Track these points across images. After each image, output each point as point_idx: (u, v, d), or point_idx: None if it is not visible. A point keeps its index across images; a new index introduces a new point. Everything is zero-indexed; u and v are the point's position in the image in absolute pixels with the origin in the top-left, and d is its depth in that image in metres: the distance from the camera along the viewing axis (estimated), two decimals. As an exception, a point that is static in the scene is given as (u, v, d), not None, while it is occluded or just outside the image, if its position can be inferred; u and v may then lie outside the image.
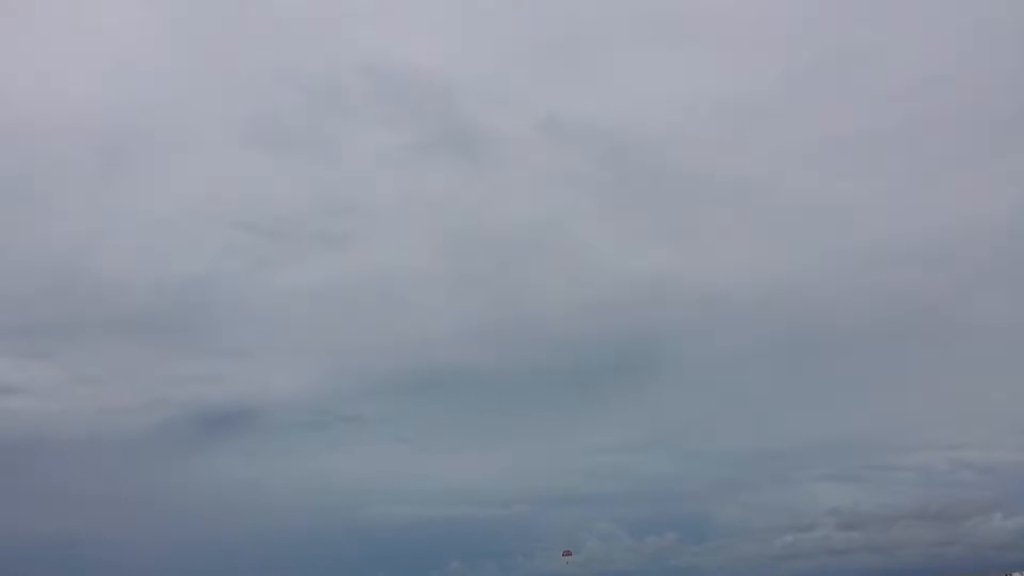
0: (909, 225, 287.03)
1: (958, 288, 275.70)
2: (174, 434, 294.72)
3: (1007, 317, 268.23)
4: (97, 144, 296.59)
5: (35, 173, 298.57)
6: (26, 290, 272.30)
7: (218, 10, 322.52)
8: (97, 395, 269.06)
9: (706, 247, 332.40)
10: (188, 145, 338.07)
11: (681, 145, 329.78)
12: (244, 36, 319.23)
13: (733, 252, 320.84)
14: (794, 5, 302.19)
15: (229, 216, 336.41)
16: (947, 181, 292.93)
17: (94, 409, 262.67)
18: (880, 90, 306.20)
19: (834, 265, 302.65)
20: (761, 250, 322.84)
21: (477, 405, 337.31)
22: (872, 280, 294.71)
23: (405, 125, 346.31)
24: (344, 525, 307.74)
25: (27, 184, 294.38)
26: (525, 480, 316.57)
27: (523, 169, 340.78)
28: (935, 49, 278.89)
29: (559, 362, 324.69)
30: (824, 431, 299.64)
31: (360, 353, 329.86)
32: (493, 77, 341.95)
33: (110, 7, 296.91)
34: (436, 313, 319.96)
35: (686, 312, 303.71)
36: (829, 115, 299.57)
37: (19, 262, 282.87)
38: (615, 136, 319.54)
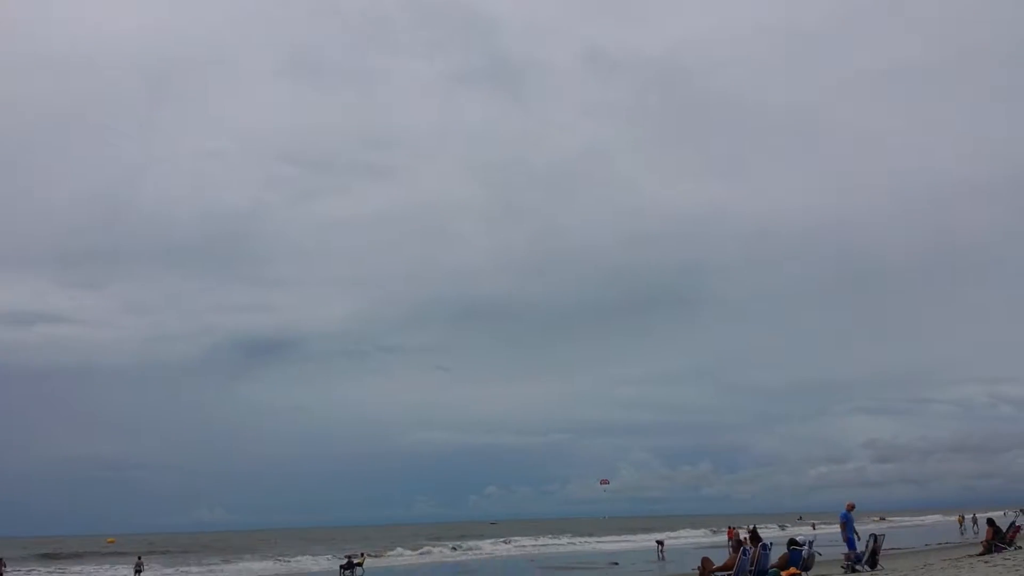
0: (963, 160, 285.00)
1: (1007, 226, 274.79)
2: (220, 362, 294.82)
3: None
4: (145, 77, 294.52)
5: (86, 105, 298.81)
6: (76, 220, 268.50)
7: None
8: (145, 324, 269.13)
9: (753, 180, 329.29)
10: (232, 77, 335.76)
11: (728, 75, 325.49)
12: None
13: (781, 185, 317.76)
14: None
15: (273, 148, 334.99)
16: (994, 120, 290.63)
17: (143, 337, 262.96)
18: (932, 20, 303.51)
19: (884, 198, 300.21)
20: (811, 183, 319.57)
21: (516, 335, 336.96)
22: (916, 216, 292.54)
23: (446, 56, 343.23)
24: (384, 451, 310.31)
25: (78, 116, 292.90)
26: (563, 409, 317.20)
27: (566, 100, 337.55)
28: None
29: (600, 294, 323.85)
30: (864, 365, 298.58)
31: (401, 283, 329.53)
32: (535, 7, 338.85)
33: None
34: (477, 244, 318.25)
35: (731, 245, 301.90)
36: (883, 45, 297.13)
37: (69, 193, 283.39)
38: (660, 66, 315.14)
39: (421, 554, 64.74)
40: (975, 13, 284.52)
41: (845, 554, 24.22)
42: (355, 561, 43.27)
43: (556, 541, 79.54)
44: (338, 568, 43.88)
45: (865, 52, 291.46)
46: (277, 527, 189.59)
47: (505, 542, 77.27)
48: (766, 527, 46.24)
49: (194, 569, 50.27)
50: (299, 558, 61.70)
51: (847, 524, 23.40)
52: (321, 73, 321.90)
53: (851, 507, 23.91)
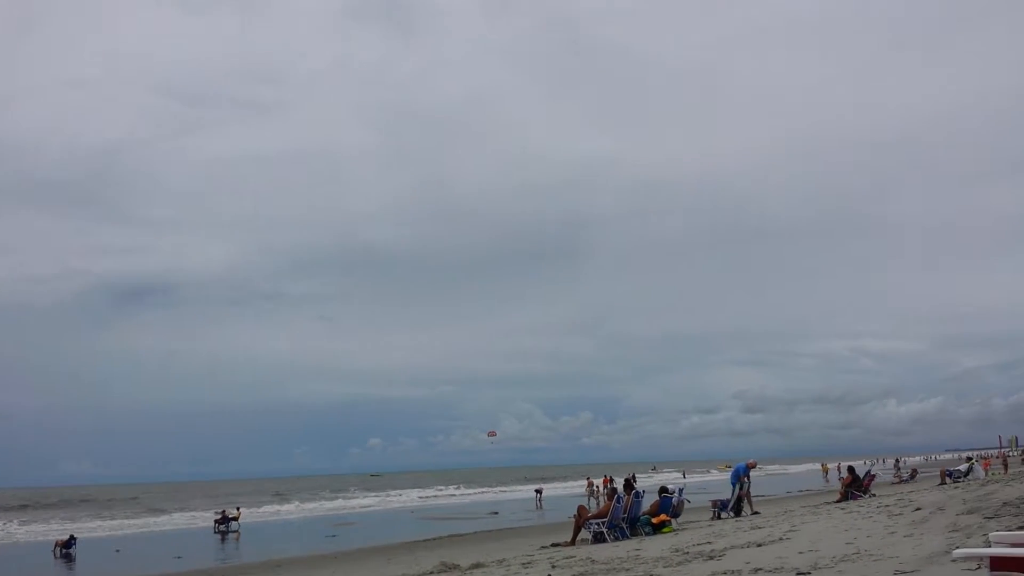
0: (844, 117, 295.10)
1: (880, 185, 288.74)
2: (89, 307, 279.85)
3: (919, 217, 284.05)
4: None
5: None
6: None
7: None
8: (7, 264, 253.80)
9: (642, 131, 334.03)
10: (103, 2, 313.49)
11: (624, 23, 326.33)
12: None
13: (672, 138, 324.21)
14: None
15: (149, 79, 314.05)
16: (884, 74, 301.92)
17: (4, 279, 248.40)
18: None
19: (768, 155, 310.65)
20: (700, 137, 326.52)
21: (404, 285, 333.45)
22: (802, 172, 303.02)
23: None
24: (264, 402, 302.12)
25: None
26: (448, 361, 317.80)
27: (459, 42, 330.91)
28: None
29: (488, 244, 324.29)
30: (739, 318, 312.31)
31: (284, 228, 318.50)
32: None
33: None
34: (365, 190, 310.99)
35: (619, 198, 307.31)
36: (777, 1, 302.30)
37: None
38: (557, 9, 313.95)
39: (298, 506, 63.85)
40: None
41: (712, 501, 25.18)
42: (230, 516, 42.12)
43: (438, 492, 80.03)
44: (212, 523, 42.66)
45: (759, 7, 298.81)
46: (150, 481, 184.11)
47: (386, 495, 77.22)
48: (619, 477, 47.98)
49: (55, 527, 47.82)
50: (172, 513, 59.87)
51: (734, 474, 24.63)
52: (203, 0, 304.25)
53: (752, 465, 25.12)
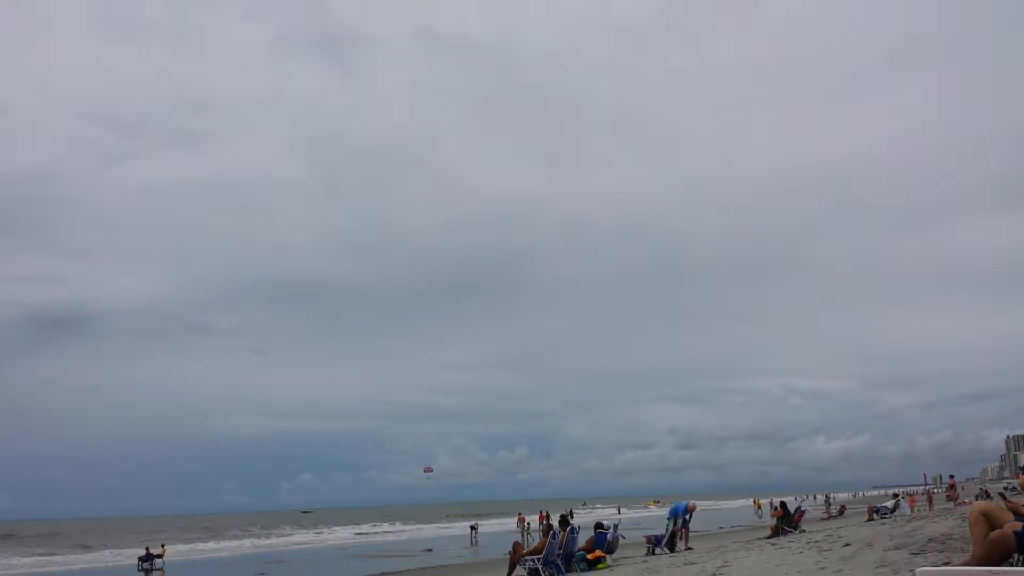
0: (770, 160, 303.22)
1: (805, 227, 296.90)
2: (4, 337, 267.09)
3: (845, 257, 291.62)
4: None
5: None
6: None
7: None
8: None
9: (575, 172, 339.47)
10: (35, 27, 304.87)
11: (559, 67, 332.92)
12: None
13: (601, 179, 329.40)
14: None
15: (77, 106, 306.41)
16: (808, 120, 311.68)
17: None
18: (755, 24, 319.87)
19: (696, 197, 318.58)
20: (629, 179, 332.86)
21: (336, 318, 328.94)
22: (729, 214, 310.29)
23: (273, 20, 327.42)
24: (191, 437, 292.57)
25: None
26: (381, 395, 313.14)
27: (396, 78, 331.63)
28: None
29: (421, 278, 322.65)
30: (670, 354, 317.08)
31: (214, 259, 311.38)
32: None
33: None
34: (297, 222, 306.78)
35: (550, 235, 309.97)
36: (703, 47, 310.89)
37: None
38: (492, 52, 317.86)
39: (226, 544, 62.03)
40: (793, 20, 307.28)
41: (647, 537, 25.24)
42: (154, 553, 40.72)
43: (372, 529, 78.56)
44: (136, 560, 41.15)
45: (686, 52, 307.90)
46: (69, 517, 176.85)
47: (318, 532, 75.52)
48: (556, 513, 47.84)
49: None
50: (94, 550, 57.65)
51: (672, 511, 24.85)
52: (136, 29, 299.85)
53: (692, 508, 25.30)
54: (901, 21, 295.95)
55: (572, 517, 25.73)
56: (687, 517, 24.60)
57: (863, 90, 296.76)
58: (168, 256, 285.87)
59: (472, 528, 54.68)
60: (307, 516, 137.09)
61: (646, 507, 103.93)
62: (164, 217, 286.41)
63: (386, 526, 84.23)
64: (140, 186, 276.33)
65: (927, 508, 42.58)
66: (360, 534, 72.21)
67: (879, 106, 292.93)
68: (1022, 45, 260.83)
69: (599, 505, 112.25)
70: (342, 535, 71.42)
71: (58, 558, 52.66)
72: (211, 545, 61.40)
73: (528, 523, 52.07)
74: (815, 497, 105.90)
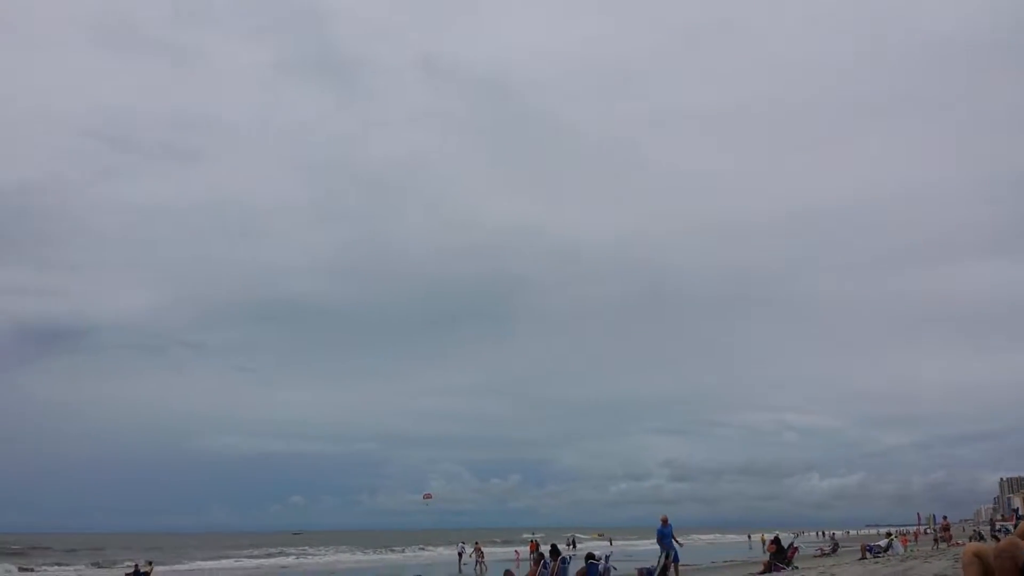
0: (759, 197, 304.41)
1: (795, 265, 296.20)
2: None
3: (834, 295, 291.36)
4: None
5: None
6: None
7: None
8: None
9: (572, 202, 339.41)
10: (33, 42, 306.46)
11: (559, 98, 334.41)
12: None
13: (597, 210, 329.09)
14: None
15: (73, 121, 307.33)
16: (795, 162, 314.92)
17: None
18: (744, 66, 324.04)
19: (689, 232, 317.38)
20: (624, 210, 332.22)
21: (328, 340, 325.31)
22: (720, 250, 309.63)
23: (274, 42, 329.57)
24: (179, 455, 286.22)
25: None
26: (372, 418, 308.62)
27: (397, 104, 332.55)
28: (796, 31, 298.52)
29: (413, 303, 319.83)
30: (663, 386, 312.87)
31: (206, 276, 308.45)
32: (372, 4, 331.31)
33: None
34: (292, 242, 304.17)
35: (544, 263, 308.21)
36: (699, 86, 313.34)
37: None
38: (492, 82, 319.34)
39: (215, 564, 61.59)
40: (777, 63, 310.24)
41: (639, 569, 25.08)
42: (142, 570, 40.41)
43: (363, 554, 78.01)
44: (122, 577, 40.88)
45: (681, 91, 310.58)
46: (57, 532, 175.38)
47: (309, 554, 74.97)
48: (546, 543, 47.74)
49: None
50: (82, 567, 57.23)
51: (663, 538, 24.09)
52: (135, 46, 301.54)
53: (664, 520, 24.43)
54: (884, 72, 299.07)
55: (574, 547, 25.38)
56: (678, 546, 24.23)
57: (853, 131, 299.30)
58: (159, 272, 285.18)
59: (458, 554, 54.16)
60: (297, 537, 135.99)
61: (592, 538, 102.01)
62: (157, 233, 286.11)
63: (375, 550, 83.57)
64: (135, 203, 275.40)
65: (931, 546, 42.37)
66: (349, 558, 71.73)
67: (867, 150, 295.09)
68: (996, 94, 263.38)
69: (584, 537, 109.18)
70: (331, 558, 70.95)
71: (48, 571, 52.44)
72: (199, 564, 60.98)
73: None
74: (809, 533, 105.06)
